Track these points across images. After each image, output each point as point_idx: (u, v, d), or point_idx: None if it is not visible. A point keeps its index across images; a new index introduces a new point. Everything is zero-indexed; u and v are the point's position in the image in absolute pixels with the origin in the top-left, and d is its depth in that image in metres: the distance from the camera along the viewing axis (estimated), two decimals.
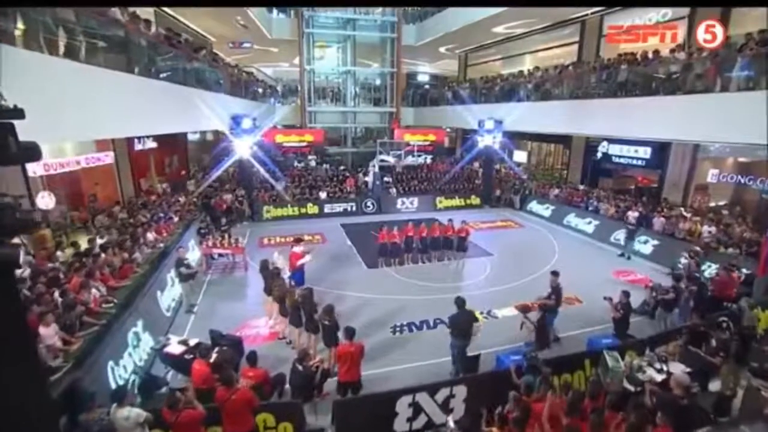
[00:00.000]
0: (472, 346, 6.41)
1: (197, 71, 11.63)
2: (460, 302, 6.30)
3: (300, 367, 5.23)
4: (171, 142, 19.23)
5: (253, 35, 20.91)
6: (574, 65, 15.24)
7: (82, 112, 6.40)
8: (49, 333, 5.49)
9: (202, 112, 11.49)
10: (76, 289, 6.80)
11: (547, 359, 5.65)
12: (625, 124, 11.61)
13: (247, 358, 5.35)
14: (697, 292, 7.56)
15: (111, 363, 5.70)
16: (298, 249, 8.74)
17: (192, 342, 6.16)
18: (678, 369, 5.00)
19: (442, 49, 25.43)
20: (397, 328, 7.91)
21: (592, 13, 16.35)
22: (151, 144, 16.96)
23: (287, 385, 5.69)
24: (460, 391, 5.22)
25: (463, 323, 6.23)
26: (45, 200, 10.74)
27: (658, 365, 5.06)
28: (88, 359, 5.45)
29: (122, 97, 7.45)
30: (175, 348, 6.06)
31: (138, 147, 15.85)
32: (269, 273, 7.69)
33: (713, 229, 11.34)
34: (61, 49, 6.06)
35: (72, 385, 4.67)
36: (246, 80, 17.74)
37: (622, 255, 12.31)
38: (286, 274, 7.88)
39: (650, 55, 11.32)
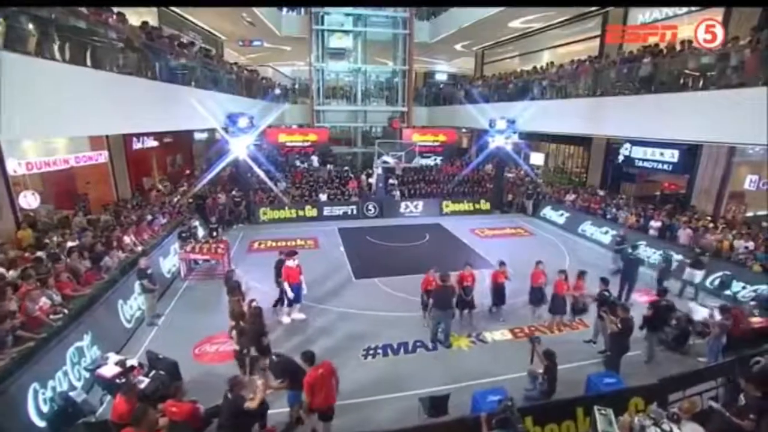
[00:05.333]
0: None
1: (185, 67, 11.13)
2: (444, 277, 7.08)
3: (229, 396, 4.42)
4: (174, 141, 18.93)
5: (262, 33, 20.47)
6: (591, 60, 13.91)
7: (28, 110, 5.88)
8: None
9: (191, 110, 10.98)
10: (21, 299, 6.33)
11: (528, 406, 4.69)
12: (650, 123, 10.33)
13: (167, 390, 4.63)
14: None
15: (35, 385, 5.07)
16: (292, 263, 8.02)
17: (129, 363, 5.51)
18: None
19: (458, 47, 24.41)
20: (370, 352, 7.01)
21: (615, 6, 15.03)
22: (152, 143, 16.66)
23: None
24: None
25: (445, 298, 7.01)
26: (28, 199, 10.55)
27: (666, 426, 4.00)
28: (5, 381, 4.86)
29: (76, 93, 6.87)
30: (108, 369, 5.41)
31: (137, 146, 15.56)
32: (230, 285, 7.00)
33: (750, 243, 9.90)
34: None
35: None
36: (248, 78, 17.23)
37: (618, 272, 9.85)
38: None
39: (678, 46, 10.01)
